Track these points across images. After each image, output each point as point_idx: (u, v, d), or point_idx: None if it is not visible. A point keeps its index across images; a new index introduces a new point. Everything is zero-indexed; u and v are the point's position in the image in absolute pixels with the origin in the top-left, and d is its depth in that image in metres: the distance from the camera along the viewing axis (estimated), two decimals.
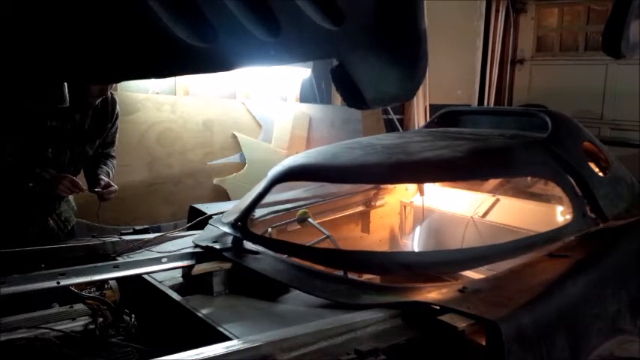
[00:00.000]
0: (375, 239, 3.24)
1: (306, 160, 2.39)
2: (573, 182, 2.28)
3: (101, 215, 2.67)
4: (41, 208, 2.54)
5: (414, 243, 3.20)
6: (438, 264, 1.93)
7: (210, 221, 2.41)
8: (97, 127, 2.60)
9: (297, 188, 3.06)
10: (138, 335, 1.74)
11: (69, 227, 2.70)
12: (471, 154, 2.21)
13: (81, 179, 2.56)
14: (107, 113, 2.63)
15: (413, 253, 2.61)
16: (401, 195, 3.33)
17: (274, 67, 4.29)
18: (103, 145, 2.70)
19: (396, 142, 2.45)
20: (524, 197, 2.97)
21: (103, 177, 2.57)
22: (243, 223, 2.19)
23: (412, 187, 3.28)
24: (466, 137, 2.58)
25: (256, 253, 2.10)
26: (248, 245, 2.15)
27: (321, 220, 2.87)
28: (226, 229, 2.23)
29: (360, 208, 3.17)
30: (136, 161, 3.95)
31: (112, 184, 2.57)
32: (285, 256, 2.06)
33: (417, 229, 3.23)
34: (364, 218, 3.26)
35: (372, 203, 3.20)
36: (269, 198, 2.40)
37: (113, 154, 2.77)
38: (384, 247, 3.32)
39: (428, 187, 3.15)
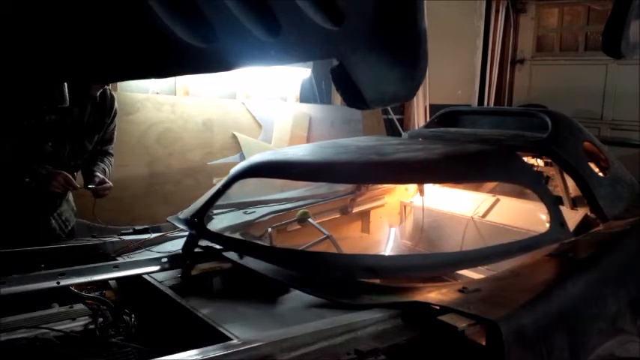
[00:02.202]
0: (375, 239, 3.24)
1: (273, 157, 2.33)
2: (550, 190, 2.25)
3: (101, 215, 2.68)
4: (43, 208, 2.54)
5: (387, 246, 3.15)
6: (405, 268, 1.87)
7: (169, 218, 2.34)
8: (95, 122, 2.61)
9: (297, 188, 3.06)
10: (138, 335, 1.74)
11: (69, 227, 2.70)
12: (445, 157, 2.17)
13: (77, 176, 2.56)
14: (105, 108, 2.64)
15: (380, 256, 2.48)
16: (401, 195, 3.34)
17: (274, 67, 4.28)
18: (102, 142, 2.71)
19: (372, 144, 2.41)
20: (525, 197, 2.97)
21: (98, 174, 2.58)
22: (199, 219, 2.13)
23: (412, 187, 3.28)
24: (448, 140, 2.56)
25: (212, 250, 2.07)
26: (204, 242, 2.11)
27: (321, 220, 2.87)
28: (181, 226, 2.18)
29: (337, 215, 3.07)
30: (136, 161, 3.95)
31: (107, 180, 2.57)
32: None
33: (392, 230, 3.20)
34: (364, 218, 3.26)
35: (349, 209, 3.10)
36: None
37: (111, 151, 2.78)
38: (384, 247, 3.33)
39: (428, 187, 3.15)
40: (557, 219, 2.13)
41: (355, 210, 3.16)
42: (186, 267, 2.01)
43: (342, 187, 3.11)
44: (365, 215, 3.24)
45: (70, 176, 2.41)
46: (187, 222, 2.14)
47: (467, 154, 2.30)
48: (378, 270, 1.81)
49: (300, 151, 2.34)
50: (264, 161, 2.25)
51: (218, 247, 2.07)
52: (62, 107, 2.38)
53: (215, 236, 2.09)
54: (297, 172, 2.14)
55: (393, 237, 3.18)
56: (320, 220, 2.89)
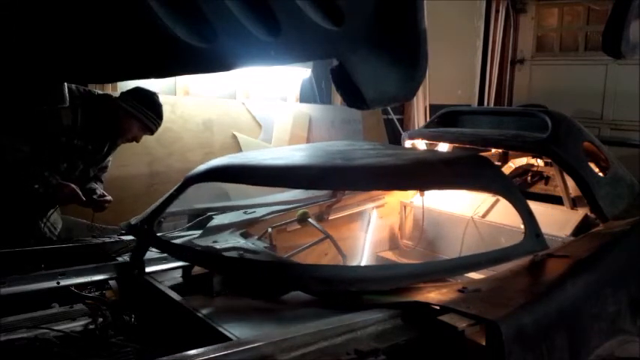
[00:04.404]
0: (374, 239, 3.24)
1: (230, 160, 2.20)
2: (525, 200, 2.12)
3: (102, 215, 2.69)
4: (36, 211, 2.57)
5: (365, 252, 3.02)
6: (366, 280, 1.73)
7: (121, 224, 2.24)
8: (106, 154, 2.75)
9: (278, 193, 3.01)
10: (138, 335, 1.74)
11: (57, 230, 2.75)
12: (414, 163, 2.08)
13: None
14: (116, 144, 2.76)
15: (337, 267, 2.29)
16: (401, 195, 3.33)
17: (274, 67, 4.28)
18: (100, 169, 2.81)
19: (344, 149, 2.32)
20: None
21: (98, 188, 2.68)
22: (149, 225, 2.04)
23: None
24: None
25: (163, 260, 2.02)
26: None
27: (336, 216, 2.85)
28: (130, 233, 2.10)
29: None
30: (136, 161, 3.95)
31: (106, 194, 2.65)
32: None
33: (370, 229, 3.08)
34: (364, 218, 3.25)
35: (325, 217, 2.97)
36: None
37: (103, 179, 2.86)
38: (384, 247, 3.33)
39: None
40: (532, 230, 2.03)
41: (344, 214, 3.06)
42: (136, 275, 1.99)
43: (318, 193, 2.99)
44: (365, 215, 3.23)
45: (78, 189, 2.46)
46: (137, 229, 2.06)
47: (437, 161, 2.22)
48: (335, 282, 1.71)
49: (264, 155, 2.23)
50: (219, 165, 2.14)
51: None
52: (86, 136, 2.53)
53: (164, 244, 2.02)
54: (253, 176, 2.01)
55: (370, 239, 3.07)
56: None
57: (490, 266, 1.93)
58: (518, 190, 2.16)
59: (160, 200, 2.16)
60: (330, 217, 2.97)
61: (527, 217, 2.06)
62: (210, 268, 1.90)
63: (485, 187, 2.19)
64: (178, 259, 2.01)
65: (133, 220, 2.15)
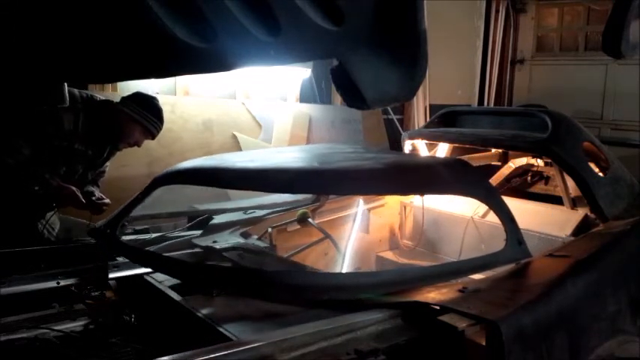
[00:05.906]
0: (374, 239, 3.25)
1: (202, 162, 2.14)
2: (508, 207, 2.03)
3: (101, 215, 2.69)
4: (35, 212, 2.58)
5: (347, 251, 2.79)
6: (339, 288, 1.67)
7: (88, 230, 2.18)
8: (105, 159, 2.78)
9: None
10: (138, 335, 1.74)
11: (55, 231, 2.75)
12: (391, 168, 2.02)
13: None
14: (117, 149, 2.79)
15: (309, 273, 2.10)
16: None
17: (274, 67, 4.28)
18: (97, 174, 2.84)
19: (326, 152, 2.27)
20: (525, 198, 2.98)
21: (96, 191, 2.69)
22: (112, 230, 1.99)
23: None
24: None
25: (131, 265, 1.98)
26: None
27: (321, 220, 2.85)
28: (93, 237, 2.05)
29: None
30: (136, 161, 3.95)
31: (104, 197, 2.66)
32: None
33: (354, 231, 2.91)
34: (364, 218, 3.25)
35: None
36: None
37: (99, 183, 2.87)
38: (384, 247, 3.33)
39: None
40: (514, 237, 1.96)
41: (334, 217, 2.99)
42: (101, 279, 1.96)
43: (301, 197, 2.94)
44: (364, 215, 3.23)
45: (78, 192, 2.46)
46: (100, 233, 2.01)
47: (416, 165, 2.19)
48: (307, 289, 1.66)
49: (239, 157, 2.16)
50: (189, 167, 2.08)
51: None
52: (87, 141, 2.54)
53: (127, 249, 1.98)
54: (222, 179, 1.93)
55: (353, 242, 2.97)
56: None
57: (471, 274, 1.89)
58: (499, 196, 2.09)
59: (125, 204, 2.12)
60: (315, 221, 2.82)
61: (509, 223, 1.97)
62: (172, 275, 1.86)
63: (465, 192, 2.10)
64: (141, 265, 1.95)
65: (98, 224, 2.10)
